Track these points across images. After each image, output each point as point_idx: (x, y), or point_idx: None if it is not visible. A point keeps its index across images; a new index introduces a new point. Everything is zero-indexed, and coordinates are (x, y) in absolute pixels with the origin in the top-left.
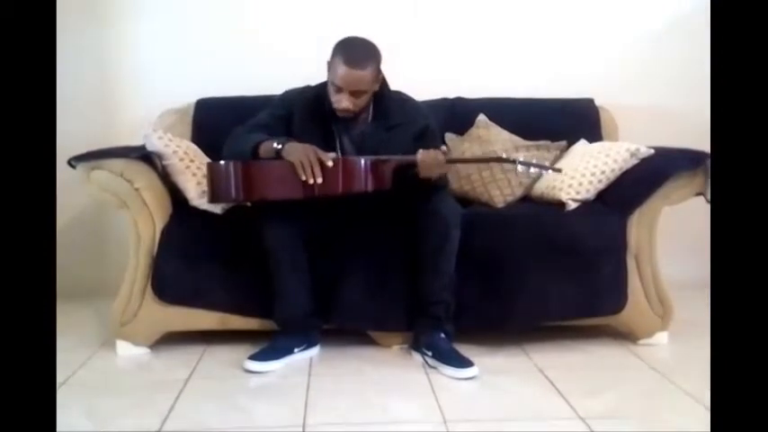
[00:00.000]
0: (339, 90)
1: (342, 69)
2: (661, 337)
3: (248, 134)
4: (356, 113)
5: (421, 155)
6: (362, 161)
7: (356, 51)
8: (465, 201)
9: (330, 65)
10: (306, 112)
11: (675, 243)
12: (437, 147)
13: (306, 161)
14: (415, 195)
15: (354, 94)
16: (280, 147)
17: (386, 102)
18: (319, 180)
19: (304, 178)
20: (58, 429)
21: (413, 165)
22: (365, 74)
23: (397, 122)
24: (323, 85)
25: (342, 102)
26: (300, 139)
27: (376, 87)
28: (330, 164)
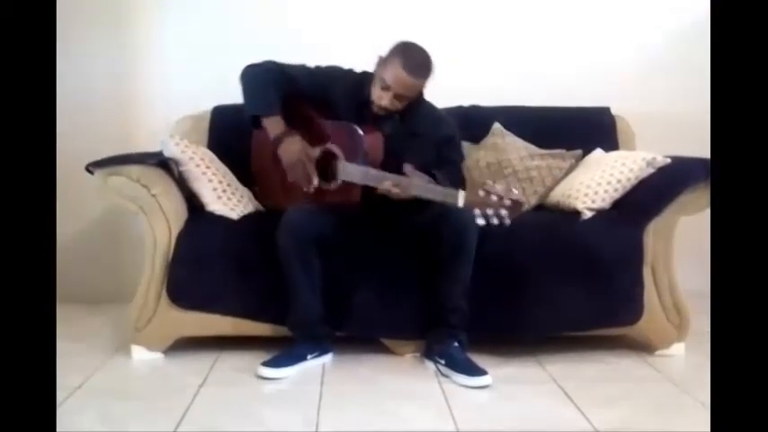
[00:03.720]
0: (386, 89)
1: (398, 72)
2: (678, 348)
3: (270, 92)
4: (390, 113)
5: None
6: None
7: (418, 60)
8: None
9: (385, 62)
10: (345, 92)
11: (693, 253)
12: (452, 158)
13: (298, 171)
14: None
15: (398, 97)
16: (276, 140)
17: (414, 108)
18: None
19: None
20: None
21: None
22: (419, 84)
23: (421, 131)
24: (366, 74)
25: (383, 99)
26: (337, 115)
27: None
28: (311, 190)
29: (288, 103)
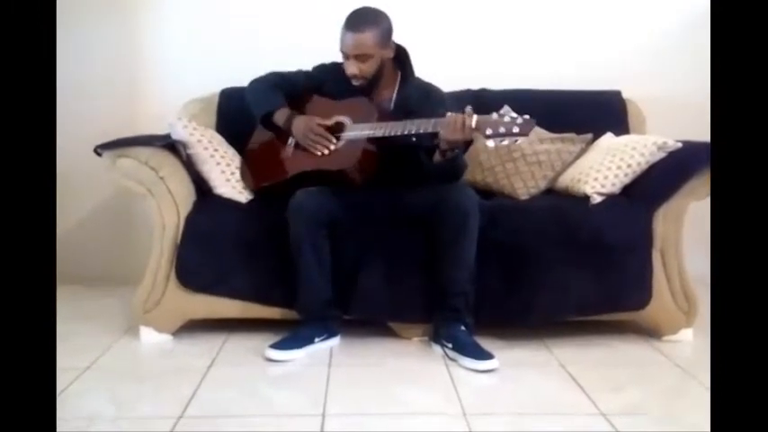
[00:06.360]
0: (346, 57)
1: (342, 35)
2: (686, 334)
3: (274, 93)
4: (368, 81)
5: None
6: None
7: (356, 17)
8: (488, 192)
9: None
10: (335, 85)
11: (703, 238)
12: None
13: (311, 137)
14: (431, 185)
15: (359, 58)
16: (287, 123)
17: (409, 89)
18: (326, 152)
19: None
20: (82, 413)
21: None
22: (364, 36)
23: (414, 108)
24: None
25: (349, 68)
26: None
27: (385, 54)
28: (331, 147)
29: (294, 101)
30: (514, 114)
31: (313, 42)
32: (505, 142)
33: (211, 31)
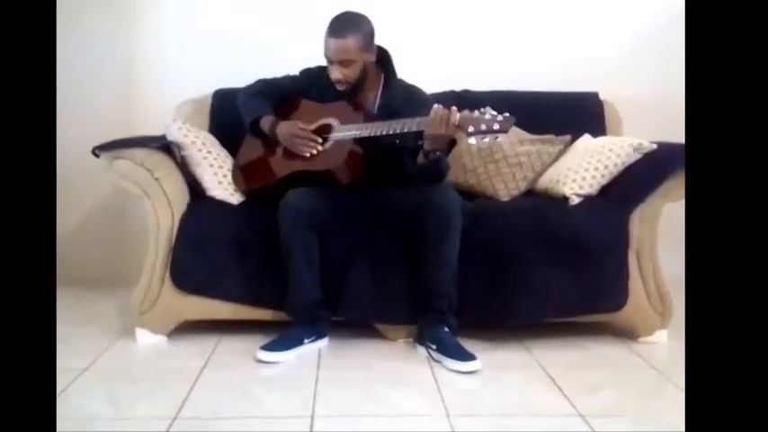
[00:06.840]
0: (330, 62)
1: (326, 41)
2: (661, 335)
3: (259, 100)
4: (352, 85)
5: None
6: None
7: (338, 22)
8: (470, 194)
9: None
10: (320, 90)
11: (678, 239)
12: None
13: (296, 141)
14: (415, 187)
15: (342, 63)
16: (272, 129)
17: (393, 91)
18: (314, 152)
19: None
20: (81, 414)
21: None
22: (347, 42)
23: (397, 107)
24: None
25: (333, 73)
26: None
27: (368, 58)
28: (319, 148)
29: (282, 105)
30: (494, 112)
31: (306, 44)
32: (486, 140)
33: (205, 31)
